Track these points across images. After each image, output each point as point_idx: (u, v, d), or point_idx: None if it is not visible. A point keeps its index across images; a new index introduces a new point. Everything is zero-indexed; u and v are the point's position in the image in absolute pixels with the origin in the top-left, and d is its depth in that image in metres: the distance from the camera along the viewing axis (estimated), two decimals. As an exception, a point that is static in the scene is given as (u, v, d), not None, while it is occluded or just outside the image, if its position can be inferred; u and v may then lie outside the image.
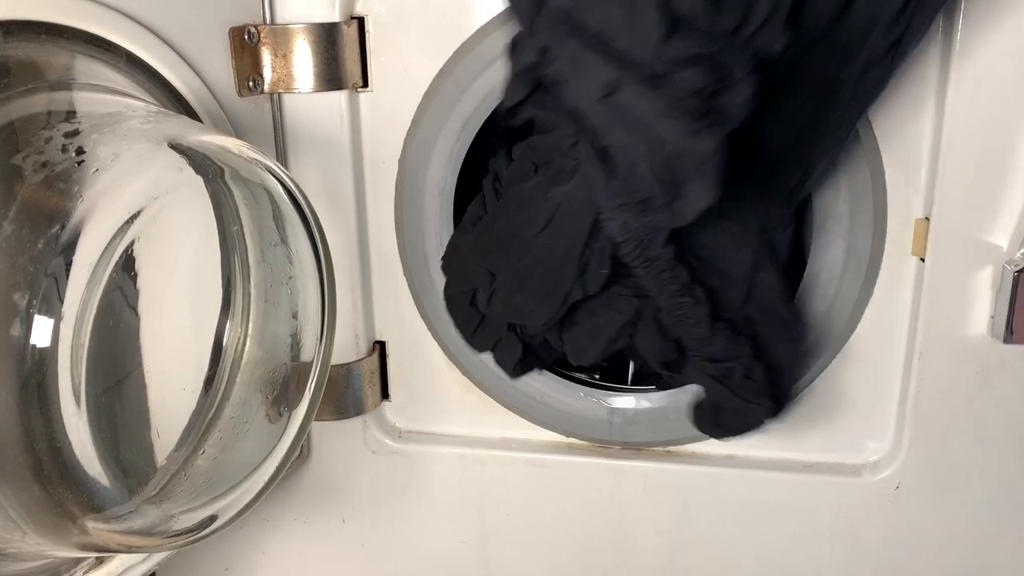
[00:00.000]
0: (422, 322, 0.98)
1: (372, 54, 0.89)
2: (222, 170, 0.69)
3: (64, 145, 0.59)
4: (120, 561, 0.75)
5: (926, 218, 0.84)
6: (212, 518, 0.68)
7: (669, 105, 0.65)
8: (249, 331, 0.78)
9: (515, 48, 0.74)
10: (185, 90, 0.76)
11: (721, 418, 0.87)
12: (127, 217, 0.60)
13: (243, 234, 0.76)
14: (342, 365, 0.96)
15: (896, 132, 0.83)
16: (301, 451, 1.01)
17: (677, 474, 0.97)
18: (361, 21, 0.88)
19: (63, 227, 0.56)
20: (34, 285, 0.55)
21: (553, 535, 1.03)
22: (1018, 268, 0.80)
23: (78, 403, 0.59)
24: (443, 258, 0.92)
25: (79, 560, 0.71)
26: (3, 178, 0.56)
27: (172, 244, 0.71)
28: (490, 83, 0.86)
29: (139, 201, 0.60)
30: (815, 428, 0.94)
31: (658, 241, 0.75)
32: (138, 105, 0.67)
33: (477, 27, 0.86)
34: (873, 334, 0.89)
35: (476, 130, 0.89)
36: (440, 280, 0.94)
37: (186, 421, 0.75)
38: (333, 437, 1.02)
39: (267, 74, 0.85)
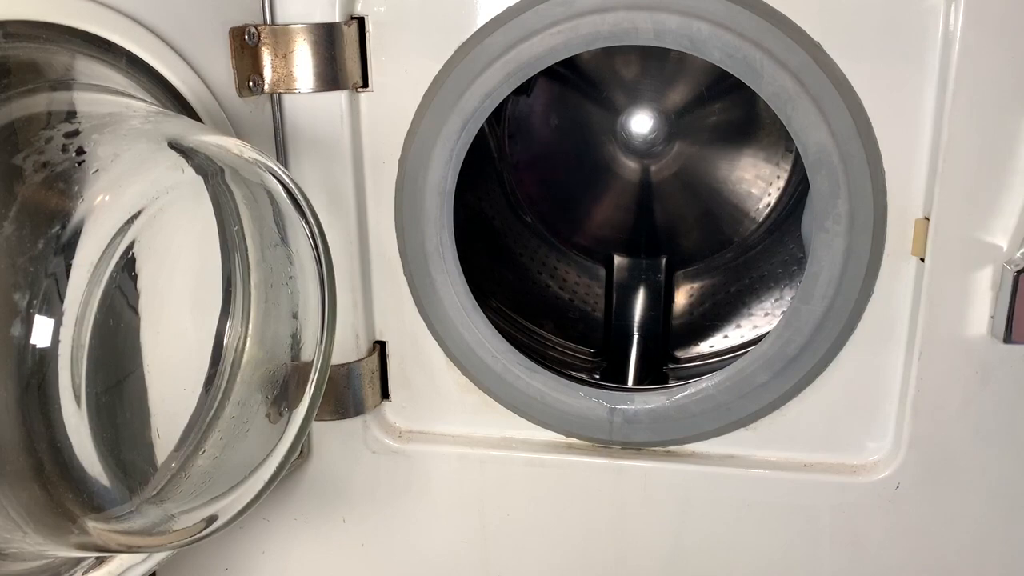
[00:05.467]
0: (422, 322, 0.98)
1: (372, 54, 0.89)
2: (222, 170, 0.69)
3: (64, 145, 0.59)
4: (120, 561, 0.75)
5: (926, 218, 0.84)
6: (212, 518, 0.68)
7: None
8: (249, 331, 0.78)
9: None
10: (185, 90, 0.76)
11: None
12: (127, 217, 0.60)
13: (243, 234, 0.76)
14: (342, 365, 0.96)
15: (896, 132, 0.83)
16: (301, 451, 1.01)
17: (677, 474, 0.97)
18: (361, 21, 0.88)
19: (63, 227, 0.56)
20: (34, 285, 0.55)
21: (553, 535, 1.03)
22: (1018, 268, 0.80)
23: (78, 403, 0.59)
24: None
25: (79, 560, 0.71)
26: (3, 178, 0.56)
27: (172, 244, 0.70)
28: (490, 83, 0.86)
29: (139, 201, 0.60)
30: (815, 428, 0.94)
31: None
32: (138, 105, 0.67)
33: (477, 27, 0.86)
34: (873, 334, 0.89)
35: (476, 130, 0.89)
36: (440, 280, 0.94)
37: (186, 421, 0.75)
38: (333, 437, 1.02)
39: (267, 74, 0.85)
